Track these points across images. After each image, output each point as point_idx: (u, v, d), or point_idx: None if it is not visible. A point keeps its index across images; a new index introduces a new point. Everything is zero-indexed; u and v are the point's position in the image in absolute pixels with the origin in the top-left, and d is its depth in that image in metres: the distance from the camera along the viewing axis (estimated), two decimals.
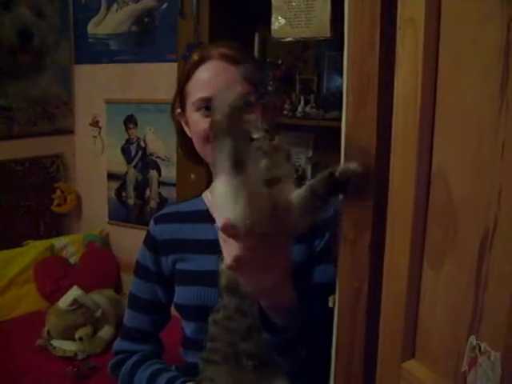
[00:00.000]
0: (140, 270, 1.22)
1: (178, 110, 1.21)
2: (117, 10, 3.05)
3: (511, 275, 0.55)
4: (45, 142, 3.28)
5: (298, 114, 2.57)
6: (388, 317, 0.73)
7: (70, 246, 3.22)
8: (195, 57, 1.14)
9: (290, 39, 2.43)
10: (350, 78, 0.73)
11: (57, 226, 3.42)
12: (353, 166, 0.74)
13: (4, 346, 2.63)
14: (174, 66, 2.79)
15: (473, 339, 0.61)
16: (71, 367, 2.38)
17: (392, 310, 0.72)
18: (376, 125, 0.71)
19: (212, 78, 1.10)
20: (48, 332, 2.59)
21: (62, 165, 3.40)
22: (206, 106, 1.09)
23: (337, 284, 0.80)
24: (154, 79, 2.97)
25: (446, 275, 0.65)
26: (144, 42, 2.99)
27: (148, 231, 1.25)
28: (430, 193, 0.66)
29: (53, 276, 3.00)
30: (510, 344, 0.55)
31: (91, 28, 3.19)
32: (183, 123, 1.21)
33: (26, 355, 2.56)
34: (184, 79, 1.16)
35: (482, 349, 0.59)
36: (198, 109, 1.12)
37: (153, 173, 3.15)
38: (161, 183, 3.13)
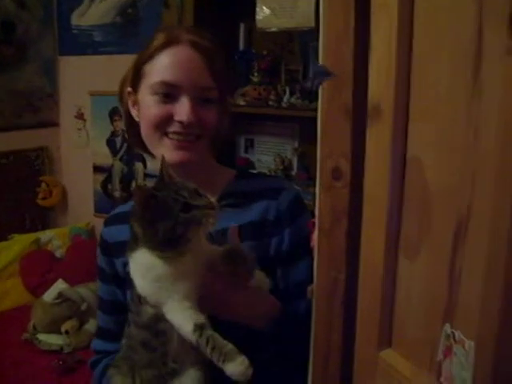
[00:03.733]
0: (99, 273, 1.19)
1: (129, 89, 1.12)
2: (100, 0, 3.02)
3: (484, 264, 0.54)
4: (29, 135, 3.25)
5: (284, 105, 2.55)
6: (364, 306, 0.72)
7: (55, 239, 3.19)
8: (162, 37, 1.06)
9: (274, 30, 2.41)
10: (325, 63, 0.72)
11: (42, 219, 3.40)
12: None
13: None
14: None
15: (447, 328, 0.60)
16: (57, 361, 2.36)
17: (368, 299, 0.71)
18: (351, 111, 0.70)
19: (177, 63, 1.03)
20: (34, 326, 2.57)
21: (47, 158, 3.37)
22: (164, 92, 1.03)
23: (314, 274, 0.80)
24: None
25: (421, 265, 0.64)
26: (128, 32, 2.96)
27: (100, 234, 1.22)
28: (405, 181, 0.65)
29: (38, 270, 2.97)
30: (483, 333, 0.55)
31: (75, 19, 3.16)
32: (130, 104, 1.12)
33: (12, 349, 2.54)
34: (144, 58, 1.07)
35: (457, 337, 0.59)
36: (155, 93, 1.04)
37: (138, 165, 3.12)
38: (146, 175, 3.11)
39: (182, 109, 1.02)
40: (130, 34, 2.95)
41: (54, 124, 3.37)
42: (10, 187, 3.19)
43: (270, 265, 1.07)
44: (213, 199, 0.89)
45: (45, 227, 3.35)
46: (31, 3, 3.09)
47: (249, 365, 0.81)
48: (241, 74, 2.68)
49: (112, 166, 3.21)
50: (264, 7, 2.40)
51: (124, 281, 1.11)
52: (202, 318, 0.87)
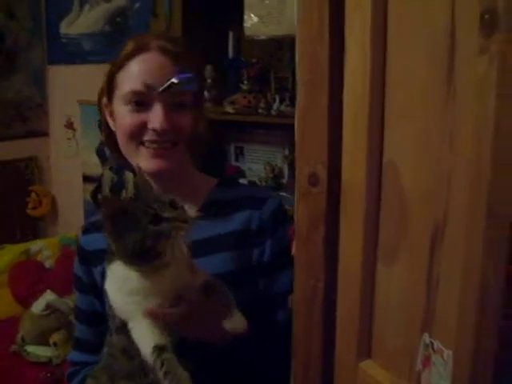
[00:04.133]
0: (76, 283, 1.16)
1: (105, 100, 1.10)
2: (89, 9, 3.01)
3: (460, 270, 0.52)
4: (19, 145, 3.23)
5: (273, 113, 2.54)
6: (343, 316, 0.70)
7: (45, 249, 3.16)
8: (131, 46, 1.04)
9: (263, 37, 2.40)
10: (301, 69, 0.70)
11: (32, 229, 3.37)
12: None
13: None
14: None
15: (426, 337, 0.58)
16: (45, 373, 2.33)
17: (347, 309, 0.69)
18: (327, 117, 0.69)
19: (146, 71, 1.01)
20: (22, 338, 2.54)
21: (37, 167, 3.35)
22: (136, 100, 1.01)
23: (294, 283, 0.78)
24: None
25: (398, 272, 0.62)
26: (117, 41, 2.95)
27: (78, 242, 1.20)
28: (381, 186, 0.64)
29: (27, 280, 2.94)
30: (461, 342, 0.53)
31: (64, 28, 3.15)
32: (107, 114, 1.10)
33: (1, 361, 2.51)
34: (115, 68, 1.05)
35: (435, 347, 0.57)
36: (128, 103, 1.02)
37: (128, 174, 3.10)
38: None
39: (155, 116, 1.00)
40: (119, 43, 2.92)
41: (44, 134, 3.35)
42: (0, 197, 3.17)
43: (251, 275, 1.05)
44: (191, 211, 0.87)
45: (35, 237, 3.33)
46: (20, 13, 3.08)
47: None
48: (230, 81, 2.67)
49: (102, 175, 3.19)
50: (252, 15, 2.39)
51: (102, 290, 1.08)
52: (163, 340, 0.85)
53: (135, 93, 1.01)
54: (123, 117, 1.04)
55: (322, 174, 0.70)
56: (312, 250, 0.73)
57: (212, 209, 1.10)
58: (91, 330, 1.13)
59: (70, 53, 3.14)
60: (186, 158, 1.10)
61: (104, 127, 1.14)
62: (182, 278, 0.90)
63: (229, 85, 2.67)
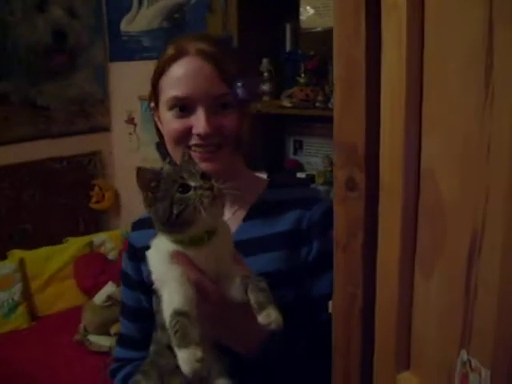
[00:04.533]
0: (123, 278, 1.18)
1: (152, 105, 1.12)
2: (148, 6, 3.06)
3: (498, 283, 0.49)
4: (82, 140, 3.33)
5: (331, 106, 2.50)
6: (381, 326, 0.68)
7: (108, 241, 3.26)
8: (171, 50, 1.04)
9: (319, 29, 2.37)
10: (338, 68, 0.68)
11: (95, 222, 3.48)
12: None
13: (44, 341, 2.69)
14: None
15: (464, 354, 0.55)
16: (106, 362, 2.40)
17: (384, 318, 0.67)
18: (364, 119, 0.66)
19: (186, 76, 1.01)
20: (84, 327, 2.63)
21: (100, 162, 3.45)
22: (179, 106, 1.02)
23: (333, 289, 0.76)
24: None
25: (436, 283, 0.59)
26: (175, 37, 2.98)
27: (127, 239, 1.21)
28: (420, 193, 0.60)
29: (92, 272, 3.04)
30: (498, 361, 0.50)
31: (124, 25, 3.21)
32: (156, 119, 1.12)
33: (65, 350, 2.61)
34: (158, 74, 1.06)
35: (473, 365, 0.54)
36: (171, 108, 1.03)
37: None
38: None
39: (198, 121, 1.00)
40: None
41: (106, 129, 3.45)
42: (64, 192, 3.28)
43: (298, 275, 1.04)
44: (216, 184, 0.86)
45: (98, 230, 3.43)
46: (82, 12, 3.17)
47: (200, 358, 0.77)
48: (287, 75, 2.65)
49: (161, 169, 3.24)
50: (308, 7, 2.36)
51: (150, 287, 1.09)
52: (185, 308, 0.83)
53: (177, 99, 1.02)
54: (168, 122, 1.05)
55: (360, 178, 0.68)
56: (351, 256, 0.71)
57: (262, 209, 1.09)
58: (136, 326, 1.14)
59: (130, 49, 3.20)
60: (235, 159, 1.09)
61: (156, 130, 1.16)
62: (221, 260, 0.89)
63: (286, 78, 2.64)
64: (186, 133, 1.02)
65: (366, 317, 0.72)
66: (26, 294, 2.95)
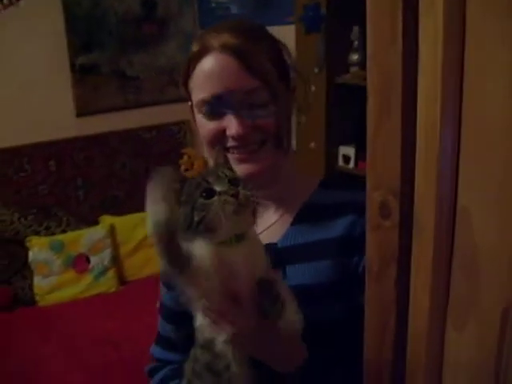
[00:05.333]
0: (162, 278, 1.15)
1: (189, 103, 1.02)
2: None
3: None
4: (171, 109, 3.35)
5: None
6: (410, 371, 0.60)
7: None
8: (195, 47, 0.94)
9: None
10: (371, 77, 0.59)
11: None
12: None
13: (130, 306, 2.80)
14: (292, 28, 2.68)
15: None
16: None
17: (414, 364, 0.59)
18: (401, 138, 0.57)
19: (211, 75, 0.92)
20: None
21: (189, 131, 3.47)
22: (209, 107, 0.93)
23: (365, 318, 0.68)
24: None
25: (468, 338, 0.51)
26: (262, 4, 2.90)
27: None
28: (455, 234, 0.51)
29: None
30: None
31: None
32: (192, 120, 1.03)
33: (148, 317, 2.69)
34: (186, 74, 0.97)
35: None
36: (201, 111, 0.95)
37: None
38: None
39: (230, 123, 0.92)
40: (265, 6, 2.89)
41: None
42: (154, 160, 3.34)
43: (348, 286, 0.96)
44: (244, 190, 0.79)
45: None
46: None
47: None
48: None
49: None
50: None
51: None
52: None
53: (205, 101, 0.93)
54: (201, 125, 0.97)
55: (394, 205, 0.59)
56: (383, 288, 0.63)
57: (311, 213, 1.01)
58: (174, 328, 1.11)
59: (219, 17, 3.16)
60: (279, 159, 1.00)
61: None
62: (255, 266, 0.83)
63: None
64: (220, 135, 0.94)
65: (397, 351, 0.64)
66: (116, 259, 3.07)
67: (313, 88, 2.64)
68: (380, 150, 0.60)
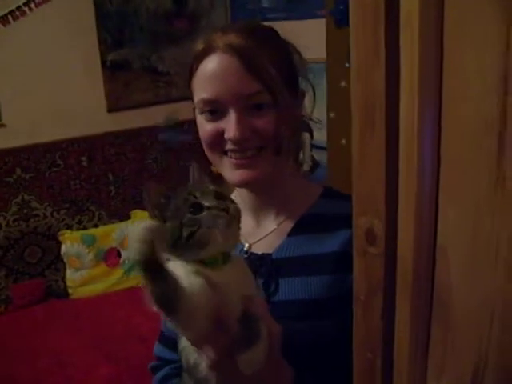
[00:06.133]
0: None
1: (193, 105, 1.00)
2: None
3: None
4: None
5: None
6: None
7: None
8: (200, 45, 0.91)
9: None
10: (355, 93, 0.54)
11: (214, 185, 3.50)
12: None
13: None
14: (323, 22, 2.61)
15: None
16: None
17: None
18: (385, 159, 0.52)
19: (214, 75, 0.88)
20: None
21: None
22: (210, 109, 0.91)
23: (353, 351, 0.64)
24: (304, 37, 2.81)
25: None
26: None
27: None
28: (435, 274, 0.46)
29: None
30: None
31: None
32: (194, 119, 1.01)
33: None
34: (190, 72, 0.94)
35: None
36: (201, 112, 0.93)
37: (305, 135, 3.03)
38: (313, 146, 3.01)
39: (229, 125, 0.88)
40: (296, 0, 2.83)
41: None
42: (185, 155, 3.33)
43: (343, 304, 0.90)
44: (232, 205, 0.76)
45: None
46: None
47: None
48: None
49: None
50: None
51: None
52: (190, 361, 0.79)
53: (205, 101, 0.90)
54: (201, 126, 0.94)
55: (380, 231, 0.54)
56: (369, 318, 0.59)
57: (311, 224, 0.96)
58: None
59: (251, 11, 3.11)
60: (279, 165, 0.96)
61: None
62: (243, 287, 0.79)
63: None
64: (219, 138, 0.91)
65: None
66: None
67: (343, 83, 2.58)
68: (365, 172, 0.55)
